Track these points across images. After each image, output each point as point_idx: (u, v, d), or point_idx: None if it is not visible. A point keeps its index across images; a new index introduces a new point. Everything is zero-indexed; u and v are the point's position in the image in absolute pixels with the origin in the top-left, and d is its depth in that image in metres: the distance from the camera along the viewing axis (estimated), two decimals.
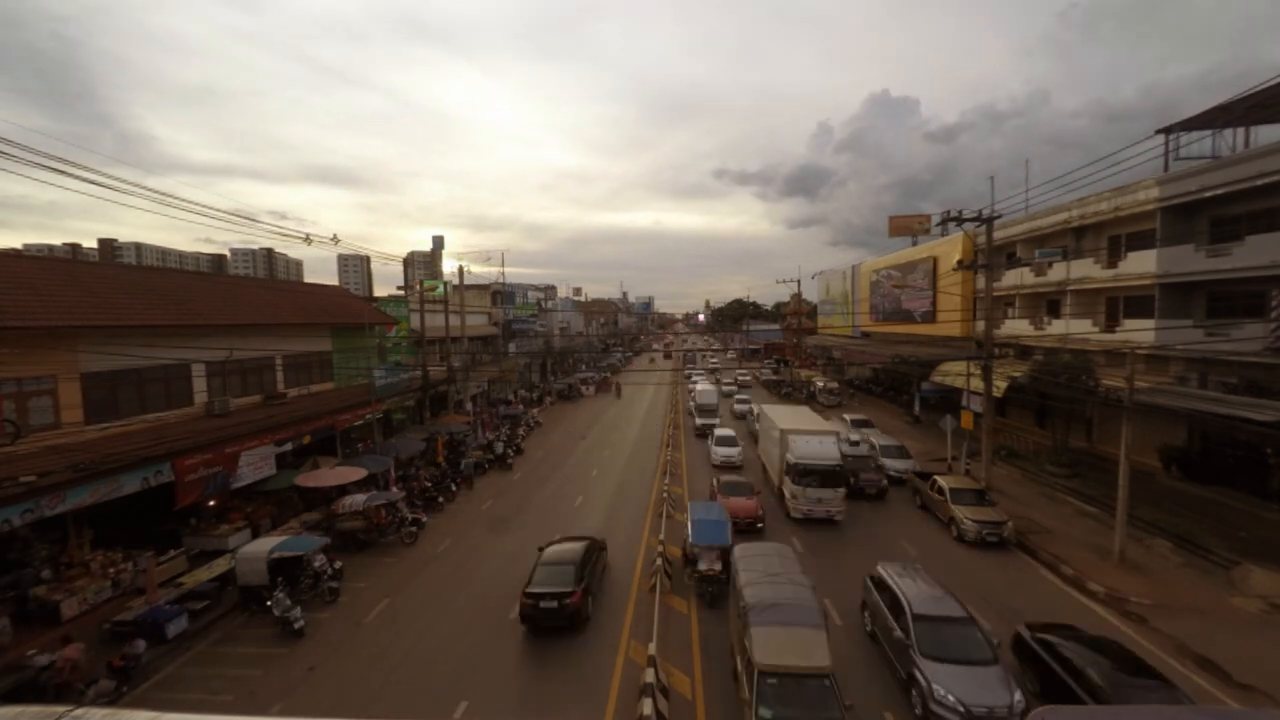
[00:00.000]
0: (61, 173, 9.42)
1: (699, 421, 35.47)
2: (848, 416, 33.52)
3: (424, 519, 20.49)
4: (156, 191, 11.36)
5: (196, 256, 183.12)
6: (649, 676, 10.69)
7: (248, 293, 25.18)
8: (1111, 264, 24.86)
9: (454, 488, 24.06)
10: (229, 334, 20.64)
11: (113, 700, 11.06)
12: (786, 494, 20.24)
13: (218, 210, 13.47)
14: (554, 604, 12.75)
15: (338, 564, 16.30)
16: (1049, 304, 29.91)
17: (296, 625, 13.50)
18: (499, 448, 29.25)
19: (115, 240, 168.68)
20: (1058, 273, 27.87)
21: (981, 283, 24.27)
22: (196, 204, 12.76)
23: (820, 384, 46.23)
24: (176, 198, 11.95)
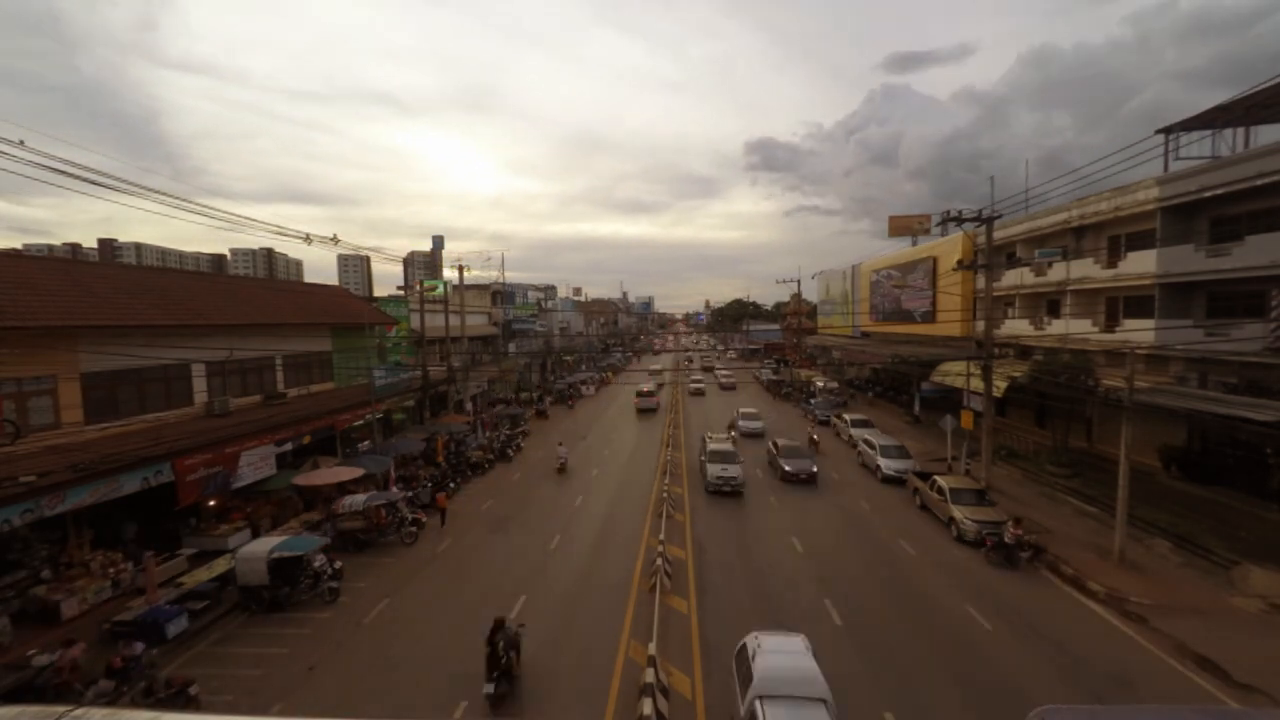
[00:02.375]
0: (65, 174, 9.45)
1: None
2: (848, 416, 33.51)
3: (424, 519, 20.49)
4: (158, 192, 11.36)
5: (196, 256, 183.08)
6: (649, 676, 10.69)
7: (248, 293, 25.18)
8: (1111, 264, 24.85)
9: (454, 484, 24.05)
10: (229, 334, 20.63)
11: (112, 700, 11.06)
12: None
13: (220, 210, 13.50)
14: None
15: (338, 564, 16.30)
16: (1049, 304, 29.90)
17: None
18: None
19: (115, 240, 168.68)
20: (1058, 273, 27.86)
21: (981, 283, 24.28)
22: (201, 205, 12.78)
23: (820, 384, 46.29)
24: (177, 198, 11.97)
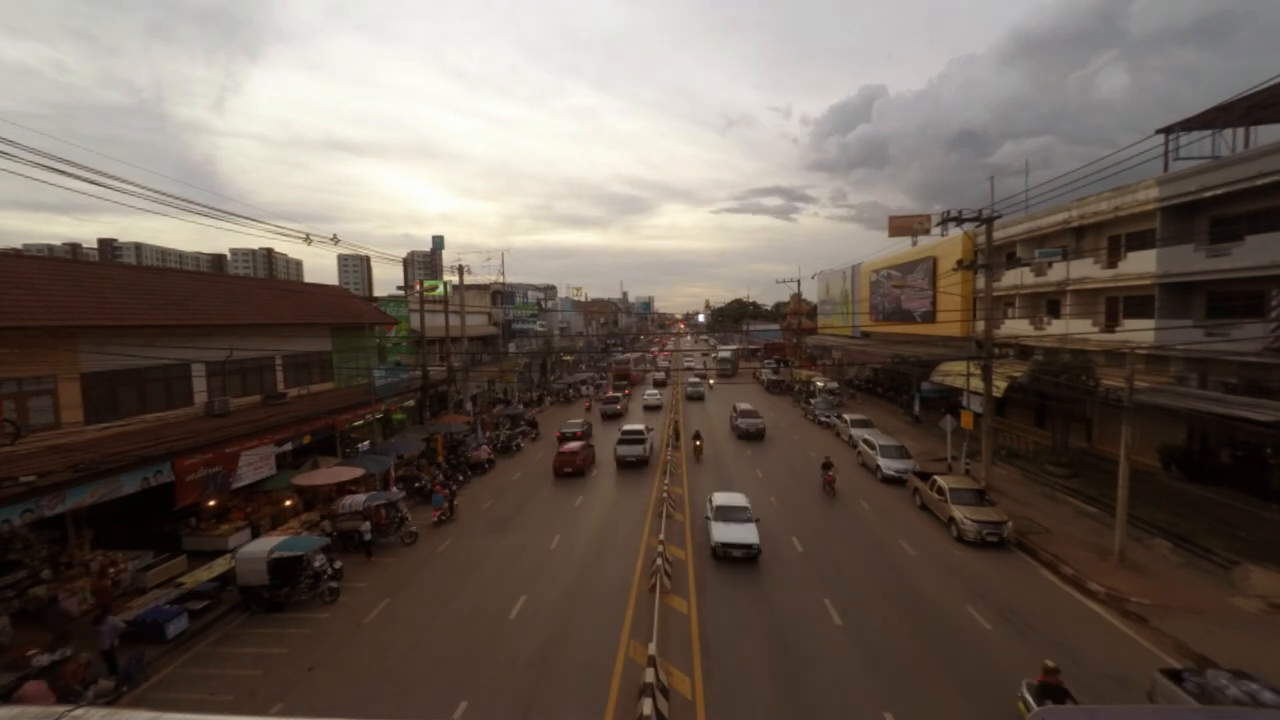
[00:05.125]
0: (63, 173, 9.45)
1: None
2: (848, 416, 33.49)
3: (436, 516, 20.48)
4: (157, 191, 11.37)
5: (196, 256, 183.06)
6: (649, 676, 10.69)
7: (248, 293, 25.16)
8: (1111, 264, 24.86)
9: (453, 487, 24.04)
10: (229, 334, 20.62)
11: (113, 700, 11.06)
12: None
13: (221, 210, 13.49)
14: None
15: (338, 564, 16.31)
16: (1049, 304, 29.91)
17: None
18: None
19: (115, 240, 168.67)
20: (1058, 273, 27.87)
21: (981, 283, 24.28)
22: (201, 204, 12.77)
23: (820, 384, 46.26)
24: (177, 197, 11.97)
